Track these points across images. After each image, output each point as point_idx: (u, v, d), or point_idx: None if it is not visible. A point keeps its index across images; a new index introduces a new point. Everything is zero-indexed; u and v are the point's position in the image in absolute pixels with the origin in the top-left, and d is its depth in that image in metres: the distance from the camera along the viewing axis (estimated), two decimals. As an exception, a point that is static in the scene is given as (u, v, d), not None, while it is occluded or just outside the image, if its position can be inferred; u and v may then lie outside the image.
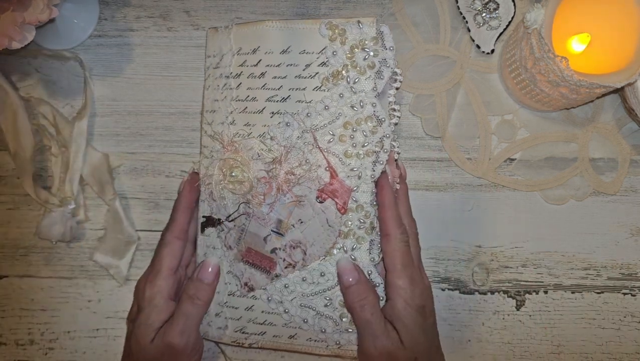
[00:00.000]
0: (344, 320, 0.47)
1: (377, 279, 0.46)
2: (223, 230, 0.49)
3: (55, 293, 0.54)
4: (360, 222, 0.46)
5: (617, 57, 0.48)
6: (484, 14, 0.54)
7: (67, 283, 0.55)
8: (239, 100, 0.49)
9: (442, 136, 0.54)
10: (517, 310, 0.54)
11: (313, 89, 0.47)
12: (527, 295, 0.54)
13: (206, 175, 0.49)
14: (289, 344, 0.49)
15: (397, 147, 0.49)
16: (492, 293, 0.54)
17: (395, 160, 0.49)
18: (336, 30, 0.46)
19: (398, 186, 0.48)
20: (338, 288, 0.47)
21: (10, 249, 0.55)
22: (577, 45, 0.50)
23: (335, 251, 0.47)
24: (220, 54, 0.50)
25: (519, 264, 0.54)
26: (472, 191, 0.55)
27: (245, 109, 0.49)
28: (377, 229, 0.47)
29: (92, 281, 0.54)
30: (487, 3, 0.54)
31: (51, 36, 0.54)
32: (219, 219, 0.49)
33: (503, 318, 0.54)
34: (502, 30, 0.54)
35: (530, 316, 0.54)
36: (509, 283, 0.54)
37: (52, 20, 0.47)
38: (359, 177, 0.46)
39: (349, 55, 0.46)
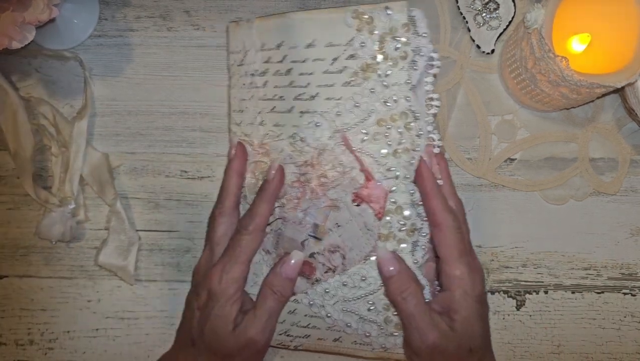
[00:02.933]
0: (389, 323, 0.45)
1: (423, 281, 0.43)
2: None
3: (55, 293, 0.54)
4: (401, 224, 0.43)
5: (617, 57, 0.48)
6: (484, 14, 0.54)
7: (67, 283, 0.54)
8: (267, 99, 0.46)
9: (442, 136, 0.54)
10: (517, 310, 0.54)
11: (342, 85, 0.43)
12: (527, 295, 0.54)
13: None
14: (334, 347, 0.48)
15: (438, 139, 0.45)
16: (492, 293, 0.54)
17: (439, 153, 0.45)
18: (363, 19, 0.42)
19: (441, 182, 0.45)
20: (381, 291, 0.44)
21: (10, 249, 0.55)
22: (577, 45, 0.50)
23: (375, 255, 0.44)
24: (244, 50, 0.47)
25: (519, 264, 0.54)
26: (472, 191, 0.55)
27: (273, 108, 0.46)
28: (420, 230, 0.44)
29: (92, 281, 0.54)
30: (487, 3, 0.54)
31: (51, 36, 0.54)
32: None
33: (503, 318, 0.54)
34: (502, 30, 0.54)
35: (530, 316, 0.54)
36: (509, 283, 0.54)
37: (52, 20, 0.47)
38: (396, 178, 0.43)
39: (379, 45, 0.42)
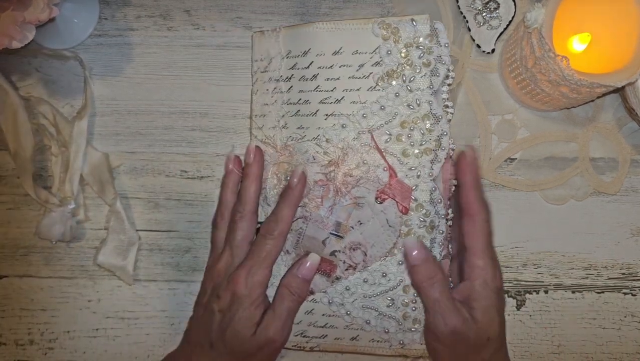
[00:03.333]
0: (407, 319, 0.47)
1: None
2: None
3: (55, 293, 0.54)
4: (421, 221, 0.46)
5: (617, 57, 0.48)
6: (484, 14, 0.54)
7: (67, 283, 0.54)
8: (291, 103, 0.49)
9: (442, 135, 0.54)
10: (518, 309, 0.54)
11: (367, 90, 0.46)
12: (527, 295, 0.54)
13: None
14: (351, 346, 0.49)
15: (452, 144, 0.48)
16: (493, 292, 0.54)
17: (450, 156, 0.48)
18: (389, 29, 0.46)
19: (455, 182, 0.47)
20: (400, 288, 0.47)
21: (10, 249, 0.55)
22: (577, 44, 0.50)
23: (396, 251, 0.46)
24: (268, 58, 0.50)
25: (519, 264, 0.54)
26: (473, 190, 0.55)
27: (297, 112, 0.49)
28: (437, 227, 0.46)
29: (92, 281, 0.54)
30: (487, 2, 0.54)
31: (51, 36, 0.54)
32: None
33: (503, 318, 0.54)
34: (502, 29, 0.54)
35: (530, 316, 0.54)
36: (509, 282, 0.54)
37: (52, 20, 0.47)
38: (418, 176, 0.46)
39: (404, 53, 0.46)
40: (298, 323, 0.49)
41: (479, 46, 0.54)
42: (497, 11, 0.54)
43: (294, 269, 0.46)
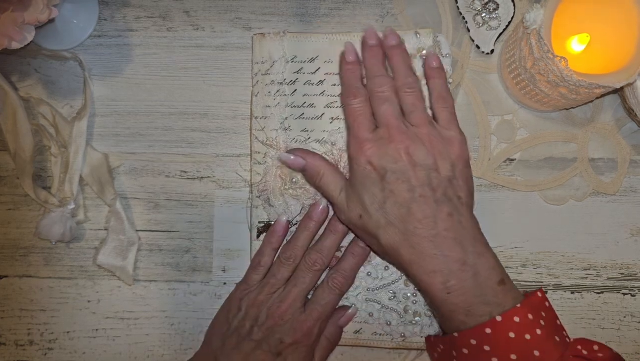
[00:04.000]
0: (408, 312, 0.50)
1: None
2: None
3: (54, 293, 0.54)
4: None
5: (616, 57, 0.48)
6: (483, 14, 0.54)
7: (66, 283, 0.54)
8: (295, 106, 0.51)
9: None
10: (517, 310, 0.54)
11: None
12: (526, 295, 0.54)
13: (261, 181, 0.51)
14: (354, 339, 0.51)
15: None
16: (492, 293, 0.54)
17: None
18: None
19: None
20: (401, 281, 0.51)
21: (10, 249, 0.55)
22: (576, 45, 0.50)
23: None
24: (270, 60, 0.52)
25: (518, 264, 0.54)
26: (472, 191, 0.55)
27: (301, 115, 0.51)
28: None
29: (91, 281, 0.54)
30: (486, 3, 0.54)
31: (51, 36, 0.54)
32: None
33: (503, 318, 0.54)
34: (501, 30, 0.54)
35: (529, 316, 0.54)
36: (508, 283, 0.54)
37: (51, 21, 0.47)
38: None
39: None
40: None
41: (478, 47, 0.54)
42: (496, 12, 0.54)
43: (335, 319, 0.50)
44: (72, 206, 0.53)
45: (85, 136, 0.54)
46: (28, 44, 0.46)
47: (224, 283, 0.54)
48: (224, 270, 0.54)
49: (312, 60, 0.51)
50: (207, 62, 0.55)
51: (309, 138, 0.51)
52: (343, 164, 0.50)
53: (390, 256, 0.44)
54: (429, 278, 0.42)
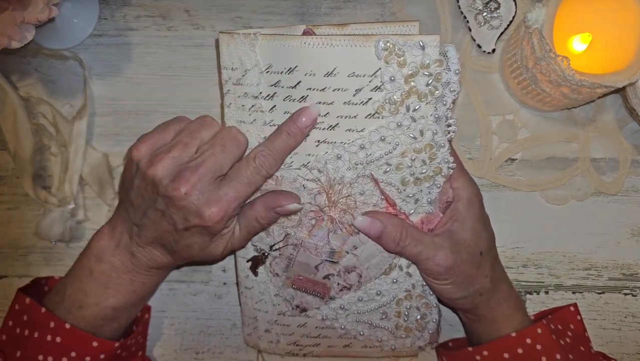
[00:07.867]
0: (399, 329, 0.48)
1: None
2: (267, 258, 0.48)
3: (54, 293, 0.54)
4: None
5: (618, 57, 0.48)
6: (484, 14, 0.54)
7: (66, 283, 0.54)
8: (274, 125, 0.43)
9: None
10: (518, 310, 0.54)
11: (366, 117, 0.42)
12: (528, 295, 0.54)
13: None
14: (344, 352, 0.50)
15: (452, 162, 0.45)
16: (493, 293, 0.54)
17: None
18: (393, 52, 0.40)
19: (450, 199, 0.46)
20: (394, 302, 0.47)
21: (10, 249, 0.55)
22: (578, 45, 0.50)
23: (391, 271, 0.46)
24: (242, 69, 0.43)
25: (519, 265, 0.54)
26: (473, 191, 0.54)
27: None
28: None
29: (91, 281, 0.54)
30: (488, 2, 0.54)
31: (51, 35, 0.54)
32: (264, 254, 0.47)
33: (504, 319, 0.54)
34: (503, 29, 0.54)
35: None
36: (509, 283, 0.54)
37: (51, 20, 0.47)
38: (416, 202, 0.44)
39: (409, 79, 0.41)
40: (290, 335, 0.49)
41: (479, 46, 0.54)
42: (498, 11, 0.54)
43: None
44: (72, 205, 0.53)
45: (85, 135, 0.54)
46: (28, 43, 0.46)
47: (224, 283, 0.54)
48: (224, 270, 0.54)
49: (290, 71, 0.42)
50: (207, 61, 0.55)
51: (292, 162, 0.44)
52: (334, 192, 0.44)
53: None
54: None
